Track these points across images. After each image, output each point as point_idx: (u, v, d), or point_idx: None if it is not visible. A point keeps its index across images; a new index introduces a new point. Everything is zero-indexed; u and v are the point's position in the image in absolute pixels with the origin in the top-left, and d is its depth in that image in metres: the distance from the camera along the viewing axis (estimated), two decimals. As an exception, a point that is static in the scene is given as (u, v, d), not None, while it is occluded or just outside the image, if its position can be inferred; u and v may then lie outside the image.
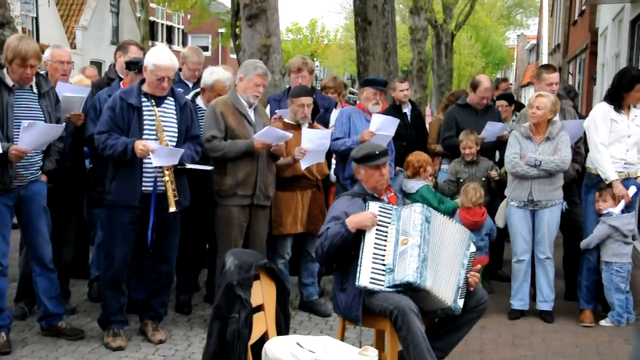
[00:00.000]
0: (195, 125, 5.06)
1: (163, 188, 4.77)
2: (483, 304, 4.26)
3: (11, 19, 11.79)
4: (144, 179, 4.77)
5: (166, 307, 5.27)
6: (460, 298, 4.13)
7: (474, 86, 6.82)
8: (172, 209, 4.75)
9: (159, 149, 4.67)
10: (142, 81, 4.86)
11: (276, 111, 5.95)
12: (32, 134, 4.45)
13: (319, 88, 7.28)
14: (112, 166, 4.82)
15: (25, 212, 4.78)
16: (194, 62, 6.03)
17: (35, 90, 4.75)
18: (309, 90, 5.69)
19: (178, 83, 6.06)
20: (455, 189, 6.43)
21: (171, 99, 4.91)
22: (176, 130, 4.88)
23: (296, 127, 5.49)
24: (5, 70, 4.61)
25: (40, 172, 4.82)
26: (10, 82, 4.60)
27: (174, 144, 4.84)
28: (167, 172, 4.73)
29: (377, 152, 4.27)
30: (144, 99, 4.79)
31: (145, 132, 4.75)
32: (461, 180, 6.40)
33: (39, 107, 4.74)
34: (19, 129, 4.47)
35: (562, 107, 6.04)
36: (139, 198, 4.76)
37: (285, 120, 5.64)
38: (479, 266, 4.41)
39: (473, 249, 4.34)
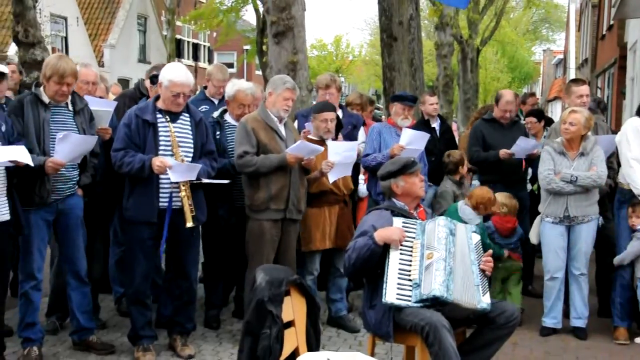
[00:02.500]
0: (210, 141, 5.08)
1: (179, 203, 4.78)
2: (514, 319, 4.20)
3: (42, 38, 12.00)
4: (161, 195, 4.80)
5: (193, 322, 5.28)
6: (483, 295, 4.06)
7: (497, 100, 6.80)
8: (189, 224, 4.75)
9: (176, 165, 4.69)
10: (157, 98, 4.90)
11: (305, 124, 5.97)
12: (67, 146, 4.54)
13: (344, 104, 7.30)
14: (129, 182, 4.85)
15: (63, 226, 4.85)
16: (218, 79, 6.09)
17: (70, 107, 4.85)
18: (332, 105, 5.70)
19: (204, 100, 6.15)
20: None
21: (186, 115, 4.94)
22: (192, 145, 4.90)
23: (320, 143, 5.49)
24: (42, 88, 4.73)
25: (76, 186, 4.90)
26: (46, 99, 4.71)
27: (190, 159, 4.86)
28: (183, 188, 4.75)
29: (412, 160, 4.37)
30: (159, 116, 4.82)
31: (160, 148, 4.77)
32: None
33: (74, 123, 4.83)
34: (54, 145, 4.56)
35: (595, 122, 5.98)
36: (156, 214, 4.78)
37: (309, 136, 5.65)
38: (490, 251, 4.33)
39: (476, 238, 4.27)
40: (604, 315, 6.02)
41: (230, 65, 33.27)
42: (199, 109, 5.47)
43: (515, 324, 4.21)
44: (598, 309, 6.19)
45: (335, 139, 5.68)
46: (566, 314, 5.81)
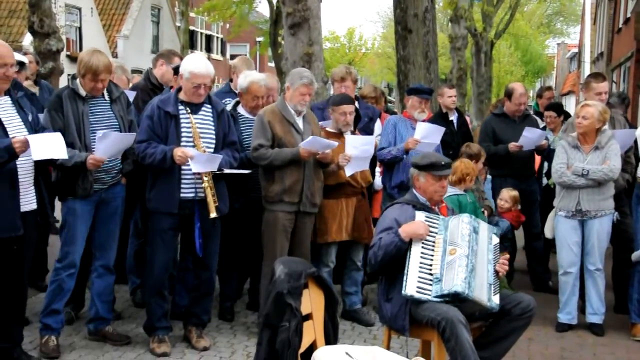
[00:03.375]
0: (233, 132, 5.09)
1: (202, 194, 4.80)
2: (530, 311, 4.17)
3: (57, 28, 12.06)
4: (182, 186, 4.81)
5: (209, 314, 5.29)
6: (494, 294, 4.06)
7: (508, 95, 6.76)
8: (213, 214, 4.77)
9: (197, 155, 4.70)
10: (179, 89, 4.91)
11: (320, 123, 5.94)
12: (107, 143, 4.60)
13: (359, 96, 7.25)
14: (151, 173, 4.88)
15: (102, 214, 4.91)
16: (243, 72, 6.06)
17: (107, 97, 4.89)
18: (351, 98, 5.68)
19: (228, 92, 6.15)
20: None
21: (208, 106, 4.94)
22: (214, 136, 4.91)
23: (339, 135, 5.48)
24: (78, 81, 4.77)
25: (120, 175, 4.96)
26: (83, 93, 4.76)
27: (212, 150, 4.87)
28: (205, 179, 4.76)
29: (442, 163, 4.27)
30: (180, 107, 4.83)
31: (182, 139, 4.79)
32: None
33: (112, 113, 4.88)
34: (95, 136, 4.64)
35: (611, 115, 5.92)
36: (177, 204, 4.80)
37: (328, 129, 5.63)
38: (507, 255, 4.33)
39: (496, 240, 4.27)
40: (620, 312, 5.98)
41: (243, 57, 33.21)
42: (222, 101, 5.46)
43: (531, 315, 4.18)
44: (615, 304, 6.14)
45: (354, 131, 5.65)
46: (582, 309, 5.77)
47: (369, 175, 5.76)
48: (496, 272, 4.15)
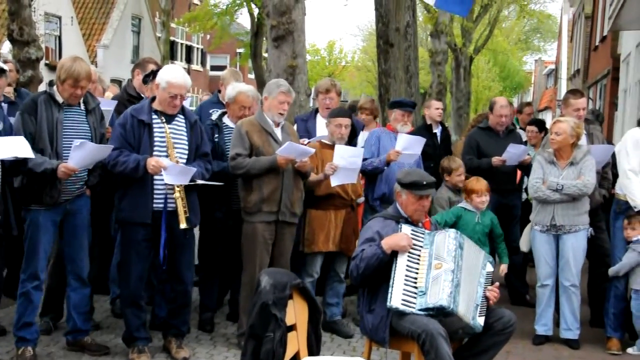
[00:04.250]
0: (205, 143, 5.08)
1: (173, 205, 4.76)
2: (510, 326, 4.24)
3: (36, 37, 11.97)
4: (155, 196, 4.78)
5: (188, 325, 5.27)
6: (479, 316, 4.11)
7: (491, 107, 6.83)
8: (183, 225, 4.73)
9: (171, 166, 4.68)
10: (153, 99, 4.90)
11: (305, 140, 5.97)
12: (82, 153, 4.54)
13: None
14: (122, 183, 4.82)
15: (70, 226, 4.85)
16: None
17: (82, 107, 4.85)
18: (347, 111, 5.74)
19: (216, 103, 6.18)
20: None
21: (181, 116, 4.94)
22: (186, 147, 4.90)
23: (332, 147, 5.50)
24: (55, 87, 4.73)
25: (85, 186, 4.90)
26: (60, 99, 4.72)
27: (184, 161, 4.85)
28: (177, 189, 4.73)
29: (424, 182, 4.27)
30: (154, 116, 4.82)
31: (155, 148, 4.76)
32: None
33: (87, 123, 4.84)
34: (68, 144, 4.58)
35: (590, 131, 6.02)
36: (151, 215, 4.76)
37: (323, 140, 5.67)
38: (497, 283, 4.37)
39: (490, 268, 4.34)
40: (596, 325, 6.04)
41: (223, 68, 33.23)
42: (210, 111, 5.48)
43: (512, 331, 4.25)
44: (590, 319, 6.21)
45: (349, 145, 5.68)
46: (558, 322, 5.84)
47: (360, 188, 5.79)
48: (486, 297, 4.19)
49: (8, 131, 4.49)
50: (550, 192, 5.51)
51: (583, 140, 5.86)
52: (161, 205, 4.78)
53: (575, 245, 5.57)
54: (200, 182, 4.90)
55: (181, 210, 4.72)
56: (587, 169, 5.52)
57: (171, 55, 28.83)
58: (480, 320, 4.12)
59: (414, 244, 4.10)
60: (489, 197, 5.70)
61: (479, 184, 5.68)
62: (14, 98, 5.87)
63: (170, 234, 4.82)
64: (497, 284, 4.37)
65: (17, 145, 4.24)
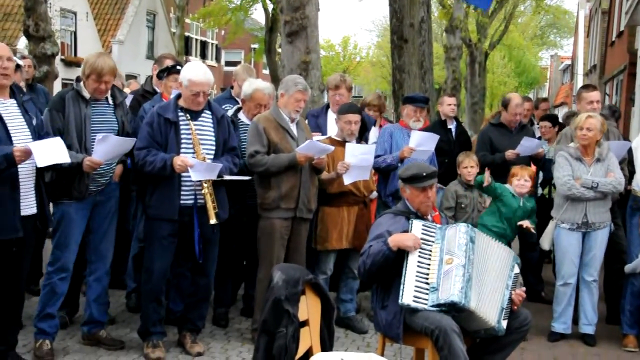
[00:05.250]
0: (233, 137, 5.10)
1: (202, 201, 4.81)
2: (527, 324, 4.23)
3: (52, 32, 12.07)
4: (182, 193, 4.82)
5: (204, 320, 5.29)
6: (504, 319, 4.09)
7: (505, 104, 6.79)
8: (212, 221, 4.78)
9: (197, 163, 4.71)
10: (179, 96, 4.93)
11: (314, 136, 5.97)
12: (106, 146, 4.60)
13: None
14: (151, 180, 4.87)
15: (98, 215, 4.91)
16: (243, 79, 6.10)
17: (110, 101, 4.91)
18: (357, 107, 5.71)
19: (229, 99, 6.19)
20: (453, 216, 5.85)
21: (208, 112, 4.96)
22: (214, 143, 4.92)
23: (343, 144, 5.50)
24: (82, 83, 4.78)
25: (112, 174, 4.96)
26: (87, 95, 4.76)
27: (212, 157, 4.88)
28: (205, 185, 4.77)
29: (424, 174, 4.25)
30: (180, 114, 4.84)
31: (182, 146, 4.80)
32: (462, 206, 5.94)
33: (115, 117, 4.90)
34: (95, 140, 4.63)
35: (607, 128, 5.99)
36: (177, 211, 4.80)
37: (333, 136, 5.67)
38: (524, 288, 4.36)
39: (517, 270, 4.30)
40: (612, 322, 6.01)
41: (238, 64, 33.29)
42: (223, 107, 5.49)
43: (528, 329, 4.23)
44: (607, 315, 6.17)
45: (359, 141, 5.67)
46: (574, 319, 5.80)
47: (372, 184, 5.77)
48: (510, 300, 4.17)
49: (41, 125, 4.50)
50: (585, 190, 5.46)
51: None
52: (190, 201, 4.83)
53: (602, 241, 5.58)
54: (228, 177, 4.92)
55: (210, 206, 4.77)
56: (614, 165, 5.53)
57: (186, 51, 28.91)
58: (504, 324, 4.09)
59: (426, 239, 4.08)
60: (531, 184, 5.77)
61: (522, 169, 5.76)
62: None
63: (200, 229, 4.86)
64: (523, 288, 4.35)
65: (54, 149, 4.26)
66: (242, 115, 5.68)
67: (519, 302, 4.23)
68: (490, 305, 4.04)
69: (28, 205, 4.36)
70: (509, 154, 6.43)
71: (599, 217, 5.53)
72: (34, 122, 4.44)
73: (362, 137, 5.78)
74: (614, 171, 5.48)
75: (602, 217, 5.54)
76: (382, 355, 4.21)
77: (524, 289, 4.36)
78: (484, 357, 4.22)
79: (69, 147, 4.55)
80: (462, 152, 6.26)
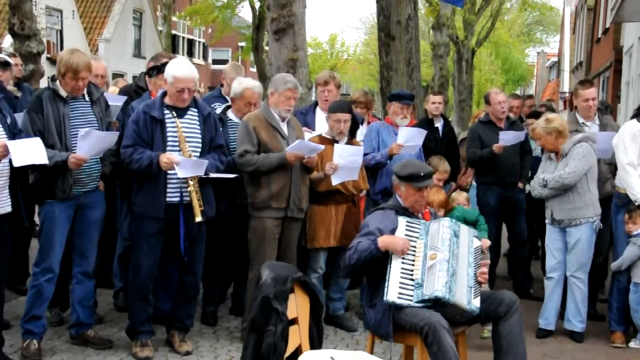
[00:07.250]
0: (219, 135, 5.08)
1: (188, 198, 4.79)
2: (514, 304, 4.21)
3: (37, 31, 11.97)
4: (168, 190, 4.80)
5: (192, 319, 5.27)
6: (474, 298, 4.08)
7: (487, 100, 6.86)
8: (198, 218, 4.76)
9: (183, 161, 4.69)
10: (165, 94, 4.90)
11: (305, 132, 5.96)
12: (89, 142, 4.57)
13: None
14: (137, 178, 4.85)
15: (83, 220, 4.88)
16: (232, 78, 6.07)
17: (87, 98, 4.87)
18: (347, 106, 5.67)
19: (219, 97, 6.16)
20: None
21: (194, 110, 4.94)
22: (200, 140, 4.91)
23: (332, 143, 5.49)
24: (58, 82, 4.74)
25: (99, 180, 4.93)
26: (64, 94, 4.73)
27: (198, 154, 4.86)
28: (191, 183, 4.75)
29: (422, 174, 4.26)
30: (166, 112, 4.82)
31: (168, 144, 4.78)
32: None
33: (93, 114, 4.86)
34: (76, 137, 4.60)
35: (603, 122, 6.05)
36: (163, 209, 4.78)
37: (323, 134, 5.65)
38: (487, 262, 4.34)
39: (477, 243, 4.28)
40: (594, 319, 6.00)
41: (225, 62, 33.23)
42: (212, 105, 5.47)
43: (517, 307, 4.21)
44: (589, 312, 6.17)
45: (351, 140, 5.66)
46: (563, 316, 5.82)
47: (361, 183, 5.76)
48: (475, 276, 4.16)
49: (14, 124, 4.47)
50: (540, 189, 5.55)
51: (595, 130, 5.88)
52: (176, 199, 4.81)
53: (580, 239, 5.52)
54: (214, 175, 4.91)
55: (196, 203, 4.75)
56: (572, 157, 5.47)
57: (173, 49, 28.80)
58: (476, 302, 4.06)
59: (410, 236, 4.10)
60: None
61: (459, 194, 5.85)
62: (17, 93, 5.88)
63: (185, 226, 4.84)
64: (487, 261, 4.32)
65: (32, 149, 4.23)
66: (231, 114, 5.66)
67: (484, 280, 4.22)
68: (459, 288, 4.02)
69: (2, 204, 4.32)
70: (495, 147, 6.51)
71: (566, 214, 5.51)
72: (8, 120, 4.41)
73: (354, 136, 5.76)
74: (569, 164, 5.44)
75: (570, 214, 5.50)
76: (372, 353, 4.21)
77: (488, 262, 4.33)
78: (510, 353, 4.16)
79: (51, 146, 4.52)
80: (437, 156, 6.23)
